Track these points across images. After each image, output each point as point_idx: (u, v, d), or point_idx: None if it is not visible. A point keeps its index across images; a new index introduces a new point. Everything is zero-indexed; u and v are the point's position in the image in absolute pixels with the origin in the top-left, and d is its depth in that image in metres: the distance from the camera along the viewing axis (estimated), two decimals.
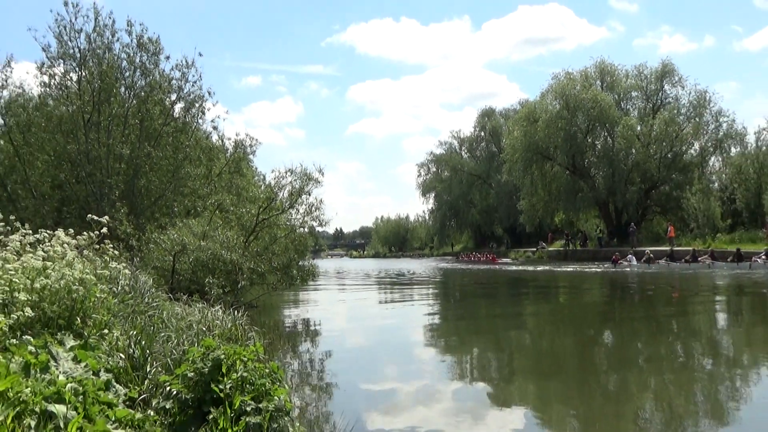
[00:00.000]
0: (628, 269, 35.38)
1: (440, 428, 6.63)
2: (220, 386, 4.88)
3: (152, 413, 4.93)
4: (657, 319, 16.09)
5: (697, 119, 49.05)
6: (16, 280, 5.73)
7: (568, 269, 37.79)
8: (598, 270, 36.09)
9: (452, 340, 13.78)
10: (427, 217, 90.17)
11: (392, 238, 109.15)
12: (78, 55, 19.47)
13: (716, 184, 49.53)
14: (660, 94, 51.52)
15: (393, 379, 9.10)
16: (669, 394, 8.16)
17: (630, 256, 37.88)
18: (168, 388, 5.15)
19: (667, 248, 39.41)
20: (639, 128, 49.65)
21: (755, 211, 41.53)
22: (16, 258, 6.25)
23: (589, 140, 51.19)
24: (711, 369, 9.80)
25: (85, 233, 7.60)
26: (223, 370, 5.03)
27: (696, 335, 13.47)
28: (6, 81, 20.45)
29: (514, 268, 43.78)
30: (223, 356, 5.13)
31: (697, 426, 6.81)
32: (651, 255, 36.73)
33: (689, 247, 38.05)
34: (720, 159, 49.87)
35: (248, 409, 4.76)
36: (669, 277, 29.46)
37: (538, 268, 40.78)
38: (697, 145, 49.78)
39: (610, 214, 51.53)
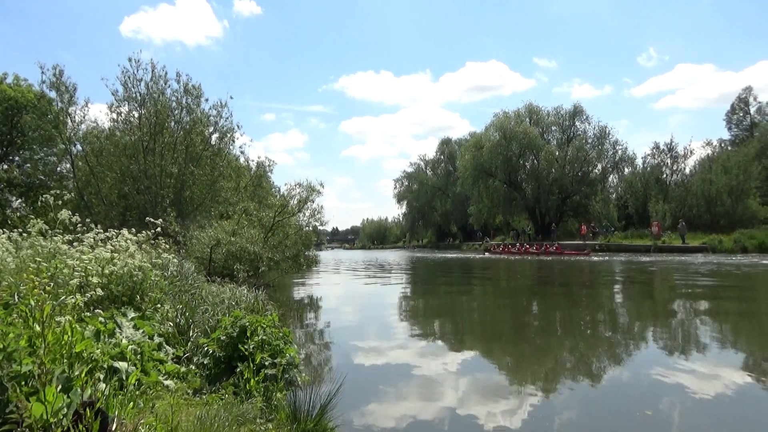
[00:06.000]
0: None
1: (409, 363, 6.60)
2: (246, 346, 4.86)
3: (193, 367, 4.89)
4: None
5: (600, 147, 49.74)
6: (90, 268, 5.67)
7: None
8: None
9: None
10: (401, 219, 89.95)
11: (375, 235, 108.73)
12: (139, 97, 19.37)
13: (614, 195, 50.28)
14: (572, 128, 51.97)
15: (375, 337, 9.05)
16: None
17: None
18: (206, 348, 5.13)
19: (579, 242, 39.53)
20: (557, 153, 50.08)
21: (642, 215, 42.16)
22: (90, 250, 6.17)
23: (521, 162, 51.48)
24: None
25: (143, 232, 7.52)
26: (248, 334, 5.00)
27: None
28: (84, 117, 20.34)
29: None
30: (247, 324, 5.10)
31: None
32: None
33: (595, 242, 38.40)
34: (616, 176, 50.93)
35: (266, 363, 4.75)
36: None
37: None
38: (599, 166, 50.48)
39: (536, 217, 51.84)
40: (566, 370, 6.88)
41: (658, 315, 11.14)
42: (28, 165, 34.34)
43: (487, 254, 42.45)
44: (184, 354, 5.22)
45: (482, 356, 7.89)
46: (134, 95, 19.30)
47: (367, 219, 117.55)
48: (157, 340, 4.86)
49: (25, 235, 6.98)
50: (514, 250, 41.18)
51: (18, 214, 24.10)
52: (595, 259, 30.37)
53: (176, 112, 20.09)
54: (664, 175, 45.01)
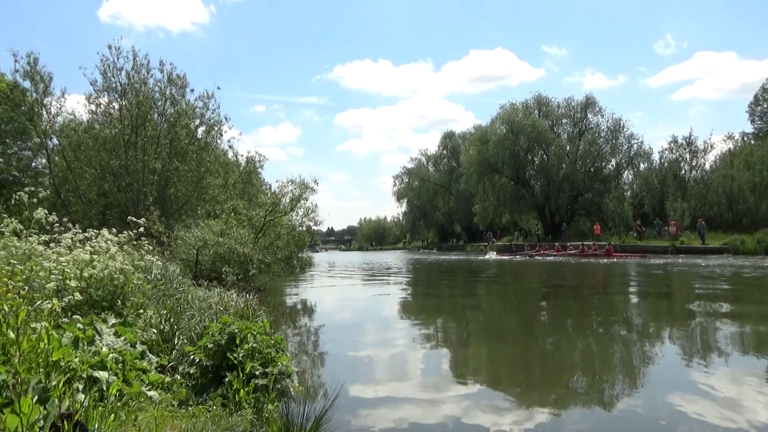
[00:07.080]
0: None
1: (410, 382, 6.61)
2: (235, 355, 4.86)
3: (179, 377, 4.89)
4: None
5: (614, 141, 49.85)
6: (68, 270, 5.67)
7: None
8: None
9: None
10: (401, 218, 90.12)
11: (373, 235, 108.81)
12: (119, 88, 19.28)
13: (628, 193, 50.42)
14: (584, 121, 51.97)
15: (372, 346, 9.05)
16: None
17: None
18: (192, 357, 5.13)
19: (590, 243, 39.16)
20: (568, 148, 50.19)
21: (659, 214, 42.17)
22: (68, 252, 6.17)
23: (529, 157, 51.53)
24: None
25: (125, 232, 7.53)
26: (237, 342, 5.01)
27: None
28: (60, 109, 20.30)
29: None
30: (236, 330, 5.11)
31: None
32: None
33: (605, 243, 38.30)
34: (631, 172, 51.02)
35: (257, 373, 4.75)
36: None
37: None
38: (613, 162, 50.62)
39: (546, 216, 51.89)
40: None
41: None
42: (1, 160, 34.29)
43: (517, 257, 39.92)
44: (169, 363, 5.22)
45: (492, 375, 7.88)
46: (114, 85, 19.24)
47: (365, 218, 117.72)
48: (139, 347, 4.85)
49: None
50: (551, 251, 39.24)
51: None
52: (658, 261, 28.45)
53: (159, 103, 20.03)
54: (683, 171, 45.03)
